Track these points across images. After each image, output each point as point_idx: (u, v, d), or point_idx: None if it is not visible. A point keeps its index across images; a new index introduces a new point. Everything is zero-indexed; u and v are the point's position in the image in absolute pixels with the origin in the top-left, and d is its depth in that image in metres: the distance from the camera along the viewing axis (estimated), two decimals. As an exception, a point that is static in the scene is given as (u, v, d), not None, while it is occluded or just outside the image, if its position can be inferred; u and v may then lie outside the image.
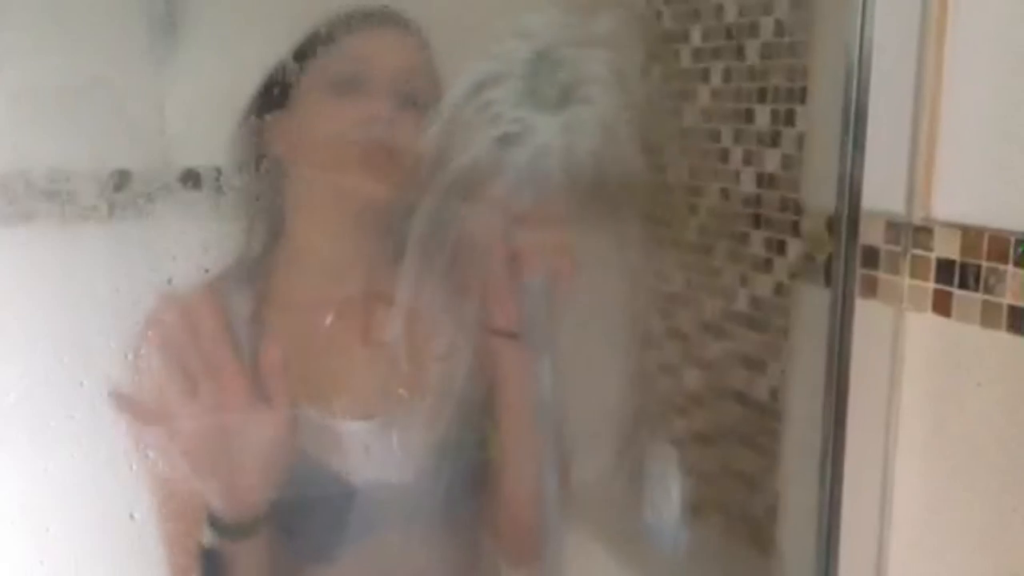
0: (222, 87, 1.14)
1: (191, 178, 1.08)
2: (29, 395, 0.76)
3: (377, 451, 0.87)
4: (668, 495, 1.32)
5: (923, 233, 0.90)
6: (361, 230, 0.88)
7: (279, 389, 0.76)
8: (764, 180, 1.24)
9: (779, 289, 1.21)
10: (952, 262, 0.87)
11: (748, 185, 1.27)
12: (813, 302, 1.04)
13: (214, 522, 0.76)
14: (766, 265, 1.24)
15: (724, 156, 1.31)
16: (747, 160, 1.27)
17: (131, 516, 0.75)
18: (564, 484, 0.93)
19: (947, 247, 0.88)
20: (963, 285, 0.86)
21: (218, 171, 1.09)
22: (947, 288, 0.88)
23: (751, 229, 1.26)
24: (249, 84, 1.14)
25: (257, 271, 0.87)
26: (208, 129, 1.12)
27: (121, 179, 1.04)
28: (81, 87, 1.02)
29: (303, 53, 0.85)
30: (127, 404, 0.75)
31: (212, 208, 1.03)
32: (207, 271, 0.80)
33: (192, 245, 0.81)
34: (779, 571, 1.12)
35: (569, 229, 0.80)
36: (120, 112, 1.04)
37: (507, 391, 0.86)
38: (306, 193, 0.88)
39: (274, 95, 0.86)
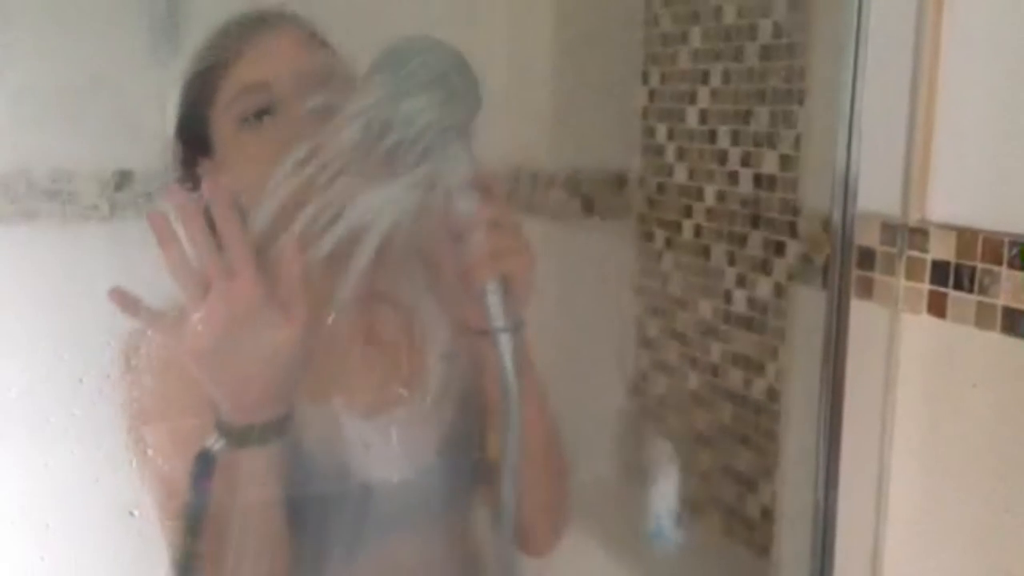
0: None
1: (192, 179, 1.08)
2: (29, 391, 0.76)
3: (377, 449, 0.88)
4: (666, 495, 1.33)
5: (918, 234, 0.91)
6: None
7: (292, 289, 0.72)
8: (762, 181, 1.24)
9: (777, 290, 1.22)
10: (947, 263, 0.88)
11: (746, 186, 1.27)
12: (810, 303, 1.05)
13: (222, 426, 0.74)
14: (764, 266, 1.24)
15: (722, 157, 1.31)
16: (745, 161, 1.27)
17: (131, 513, 0.75)
18: (557, 477, 0.93)
19: (942, 248, 0.88)
20: (958, 286, 0.87)
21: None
22: (942, 289, 0.89)
23: (749, 230, 1.27)
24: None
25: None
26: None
27: (122, 179, 1.05)
28: (83, 87, 1.03)
29: (199, 93, 0.80)
30: (131, 305, 0.71)
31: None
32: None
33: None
34: (775, 571, 1.12)
35: (510, 227, 0.77)
36: (121, 112, 1.05)
37: (494, 387, 0.86)
38: (280, 218, 0.86)
39: (190, 141, 0.82)
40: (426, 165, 0.74)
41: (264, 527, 0.78)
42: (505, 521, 0.80)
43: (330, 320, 0.81)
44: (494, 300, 0.76)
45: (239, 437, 0.74)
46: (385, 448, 0.88)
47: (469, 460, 0.89)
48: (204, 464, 0.73)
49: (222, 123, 0.80)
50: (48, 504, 0.76)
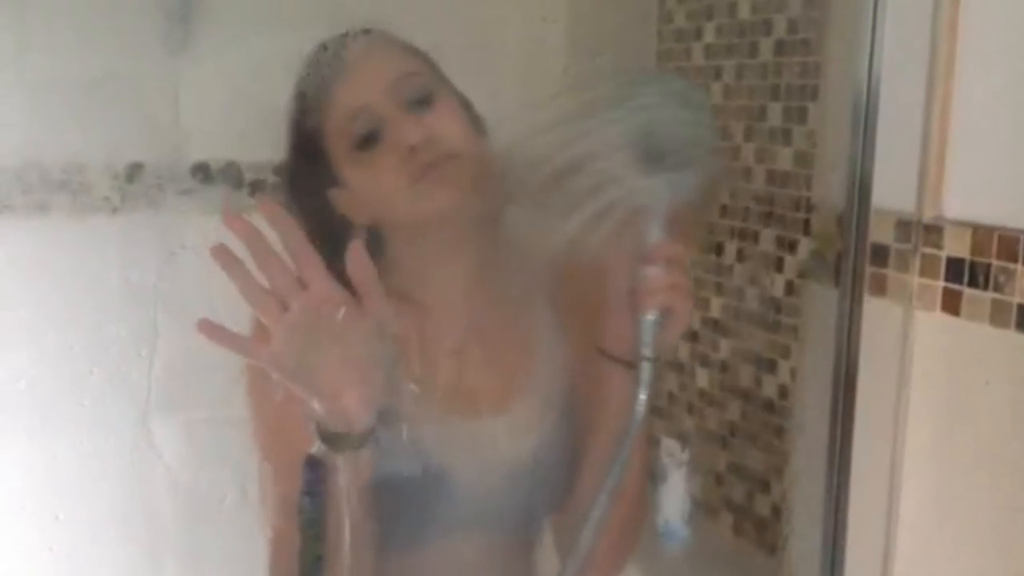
0: (236, 81, 1.15)
1: (203, 171, 1.09)
2: (39, 382, 0.76)
3: (386, 443, 0.88)
4: (675, 493, 1.32)
5: (933, 231, 0.90)
6: (451, 244, 0.86)
7: (369, 291, 0.72)
8: (776, 178, 1.24)
9: (789, 288, 1.21)
10: (962, 261, 0.87)
11: (759, 183, 1.27)
12: (822, 300, 1.04)
13: (322, 432, 0.75)
14: (777, 263, 1.24)
15: (735, 153, 1.31)
16: (759, 158, 1.26)
17: (138, 503, 0.75)
18: (639, 516, 0.94)
19: (957, 246, 0.88)
20: (972, 284, 0.86)
21: (234, 164, 1.10)
22: (956, 287, 0.88)
23: (762, 227, 1.26)
24: (265, 75, 1.14)
25: (378, 248, 0.86)
26: (221, 123, 1.13)
27: (134, 171, 1.05)
28: (96, 81, 1.03)
29: (310, 131, 0.83)
30: (220, 334, 0.71)
31: (230, 198, 1.03)
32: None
33: (202, 236, 0.82)
34: (786, 570, 1.11)
35: (685, 267, 0.80)
36: (134, 105, 1.05)
37: (605, 413, 0.87)
38: (397, 233, 0.86)
39: (317, 179, 0.84)
40: (656, 179, 0.77)
41: (354, 525, 0.79)
42: (583, 547, 0.81)
43: (340, 314, 0.81)
44: (650, 329, 0.79)
45: (339, 443, 0.75)
46: (394, 443, 0.87)
47: (555, 475, 0.90)
48: (313, 470, 0.75)
49: (339, 154, 0.82)
50: (57, 495, 0.76)
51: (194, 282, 0.80)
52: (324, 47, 0.82)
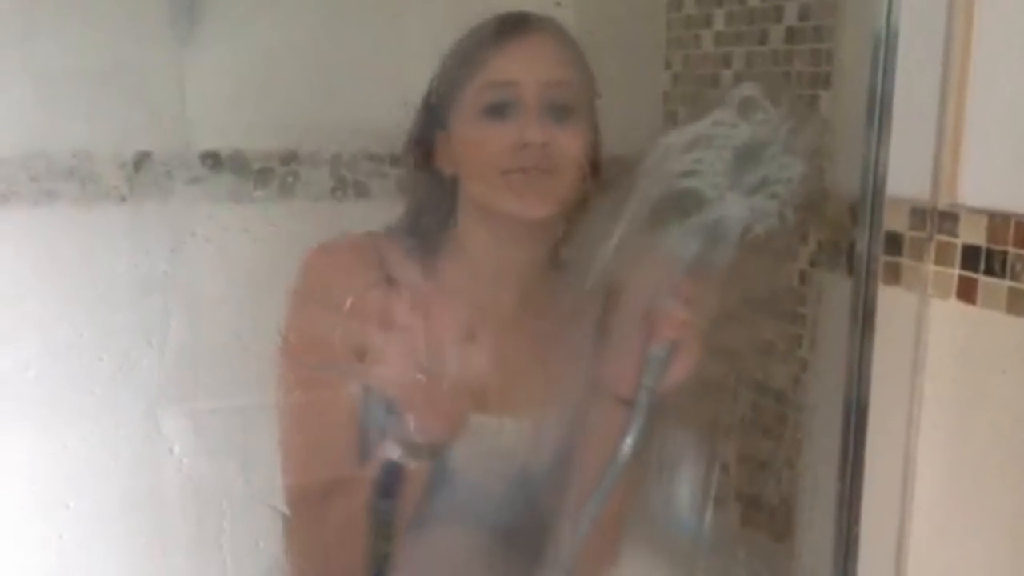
0: (242, 70, 1.14)
1: (211, 159, 1.08)
2: (49, 370, 0.76)
3: (395, 434, 0.88)
4: (684, 483, 1.32)
5: (948, 219, 0.89)
6: (521, 241, 0.91)
7: (477, 318, 0.76)
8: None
9: (801, 276, 1.20)
10: (978, 248, 0.86)
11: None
12: (835, 289, 1.03)
13: (405, 442, 0.78)
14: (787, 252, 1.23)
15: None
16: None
17: (148, 492, 0.75)
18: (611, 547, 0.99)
19: (973, 233, 0.87)
20: (989, 271, 0.85)
21: (240, 153, 1.09)
22: (972, 275, 0.87)
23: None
24: (271, 65, 1.14)
25: (427, 246, 0.91)
26: (229, 111, 1.12)
27: (142, 160, 1.04)
28: (102, 70, 1.03)
29: (454, 77, 0.88)
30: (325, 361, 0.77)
31: (231, 188, 1.03)
32: (227, 250, 0.80)
33: (211, 224, 0.81)
34: (799, 559, 1.11)
35: (706, 313, 0.83)
36: (141, 94, 1.04)
37: (595, 447, 0.87)
38: (472, 203, 0.91)
39: (431, 116, 0.89)
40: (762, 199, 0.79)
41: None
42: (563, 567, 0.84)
43: (348, 305, 0.82)
44: (657, 359, 0.81)
45: (420, 453, 0.79)
46: (403, 434, 0.87)
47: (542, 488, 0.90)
48: (392, 473, 0.79)
49: (466, 107, 0.87)
50: (67, 484, 0.76)
51: (204, 270, 0.80)
52: (504, 19, 0.88)
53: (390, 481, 0.80)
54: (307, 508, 0.82)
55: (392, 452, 0.78)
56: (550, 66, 0.88)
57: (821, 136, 0.86)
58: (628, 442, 0.81)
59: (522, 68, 0.87)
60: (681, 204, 0.80)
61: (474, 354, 0.76)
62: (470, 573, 0.93)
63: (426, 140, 0.91)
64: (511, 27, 0.89)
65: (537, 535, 0.91)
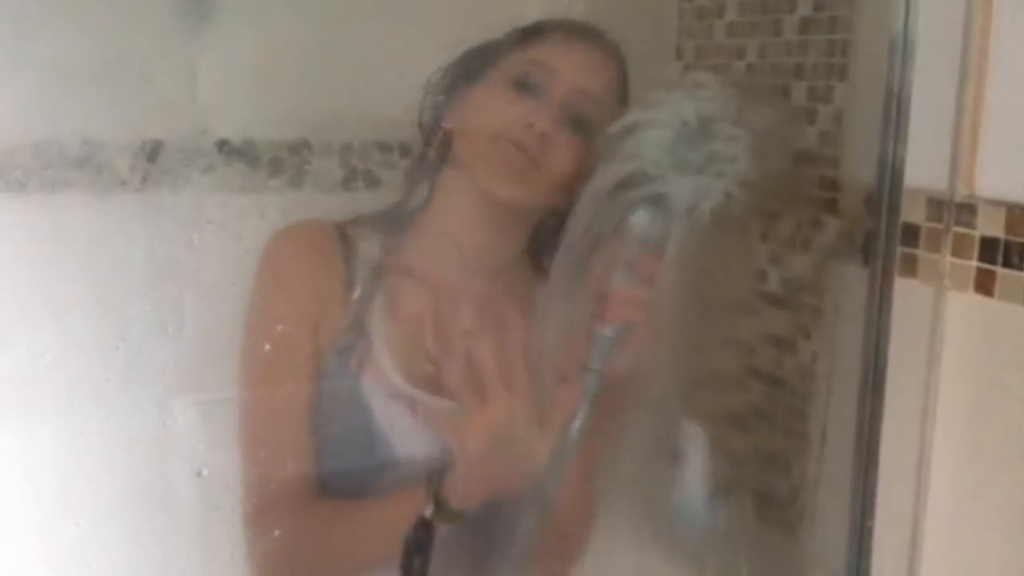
0: (253, 59, 1.14)
1: (224, 148, 1.08)
2: (64, 357, 0.76)
3: (402, 425, 0.88)
4: (694, 475, 1.32)
5: (966, 210, 0.88)
6: (494, 225, 0.91)
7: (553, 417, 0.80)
8: (800, 157, 1.22)
9: (813, 268, 1.20)
10: (996, 240, 0.86)
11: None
12: (849, 281, 1.03)
13: (441, 504, 0.81)
14: (799, 244, 1.22)
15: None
16: (782, 138, 1.25)
17: (164, 481, 0.75)
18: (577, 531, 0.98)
19: (991, 224, 0.86)
20: (1007, 263, 0.85)
21: (251, 143, 1.09)
22: (990, 267, 0.86)
23: (784, 207, 1.25)
24: (281, 54, 1.13)
25: (396, 227, 0.92)
26: (239, 101, 1.11)
27: (154, 149, 1.04)
28: (113, 59, 1.02)
29: (507, 42, 0.90)
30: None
31: (247, 178, 1.03)
32: (241, 238, 0.80)
33: (226, 212, 0.81)
34: (812, 553, 1.11)
35: (660, 294, 0.82)
36: (152, 84, 1.04)
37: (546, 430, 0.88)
38: (456, 176, 0.91)
39: (463, 72, 0.91)
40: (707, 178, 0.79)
41: None
42: (516, 550, 0.85)
43: (355, 295, 0.82)
44: (605, 342, 0.79)
45: (451, 516, 0.82)
46: (411, 425, 0.87)
47: None
48: (424, 531, 0.81)
49: (501, 71, 0.89)
50: (81, 471, 0.76)
51: (220, 258, 0.79)
52: (573, 22, 0.91)
53: (423, 538, 0.82)
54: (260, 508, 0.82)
55: (427, 510, 0.81)
56: (591, 76, 0.89)
57: (780, 115, 0.86)
58: (576, 426, 0.80)
59: (566, 63, 0.88)
60: (628, 184, 0.79)
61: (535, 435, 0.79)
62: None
63: (443, 95, 0.92)
64: (579, 31, 0.92)
65: (495, 521, 0.91)
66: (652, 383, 0.92)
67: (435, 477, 0.82)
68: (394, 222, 0.92)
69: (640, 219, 0.78)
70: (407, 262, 0.90)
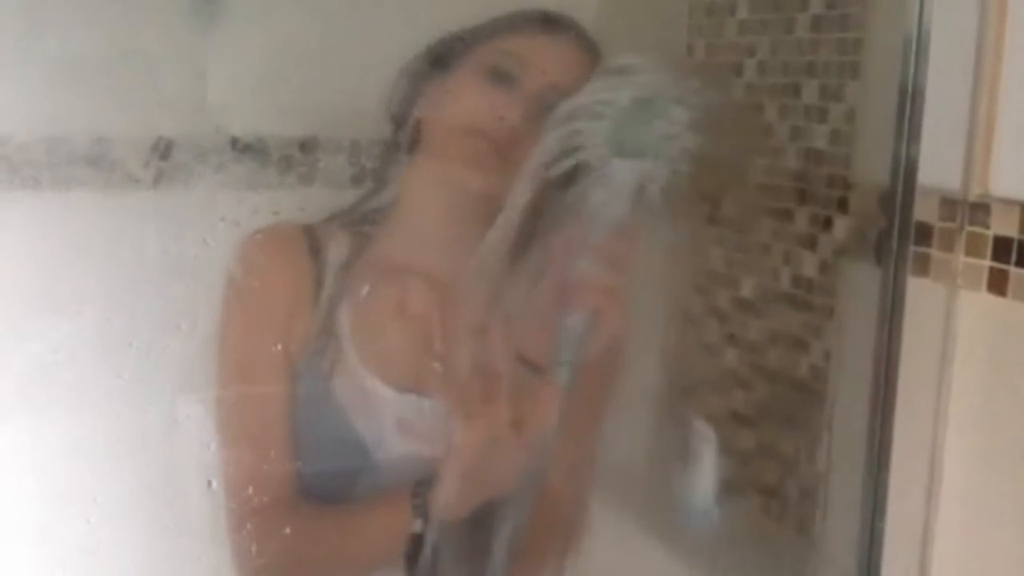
0: (263, 57, 1.13)
1: (236, 146, 1.08)
2: (77, 354, 0.76)
3: (410, 423, 0.88)
4: (704, 474, 1.31)
5: (980, 210, 0.88)
6: (467, 218, 0.89)
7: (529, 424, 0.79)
8: (811, 156, 1.22)
9: (823, 267, 1.19)
10: (1009, 240, 0.85)
11: (793, 161, 1.25)
12: (862, 280, 1.02)
13: (425, 515, 0.81)
14: (810, 243, 1.22)
15: (768, 131, 1.29)
16: (793, 136, 1.24)
17: (176, 477, 0.75)
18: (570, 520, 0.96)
19: (1004, 224, 0.86)
20: (1020, 263, 0.84)
21: (262, 140, 1.09)
22: (1003, 266, 0.86)
23: (795, 206, 1.24)
24: (292, 51, 1.13)
25: (365, 225, 0.91)
26: (249, 98, 1.11)
27: (166, 147, 1.04)
28: (122, 56, 1.02)
29: (481, 32, 0.88)
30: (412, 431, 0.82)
31: (256, 175, 1.03)
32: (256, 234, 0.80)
33: (240, 209, 0.81)
34: (820, 552, 1.10)
35: (624, 278, 0.80)
36: (162, 80, 1.04)
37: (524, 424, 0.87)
38: (426, 168, 0.90)
39: (433, 61, 0.90)
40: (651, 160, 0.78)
41: None
42: (505, 549, 0.83)
43: (364, 292, 0.82)
44: (575, 331, 0.77)
45: (442, 527, 0.81)
46: (418, 423, 0.87)
47: None
48: (416, 547, 0.81)
49: (476, 58, 0.88)
50: (94, 467, 0.76)
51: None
52: (549, 13, 0.90)
53: (412, 553, 0.81)
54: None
55: (416, 526, 0.80)
56: (565, 70, 0.87)
57: (724, 94, 0.84)
58: (553, 419, 0.79)
59: (540, 56, 0.87)
60: (573, 172, 0.78)
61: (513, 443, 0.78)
62: None
63: (413, 83, 0.91)
64: (555, 23, 0.90)
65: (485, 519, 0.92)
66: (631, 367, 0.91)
67: (420, 491, 0.81)
68: (364, 219, 0.91)
69: (590, 204, 0.77)
70: (378, 259, 0.89)
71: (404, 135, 0.91)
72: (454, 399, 0.80)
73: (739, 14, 1.33)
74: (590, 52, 0.91)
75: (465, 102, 0.87)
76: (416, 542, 0.81)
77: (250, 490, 0.80)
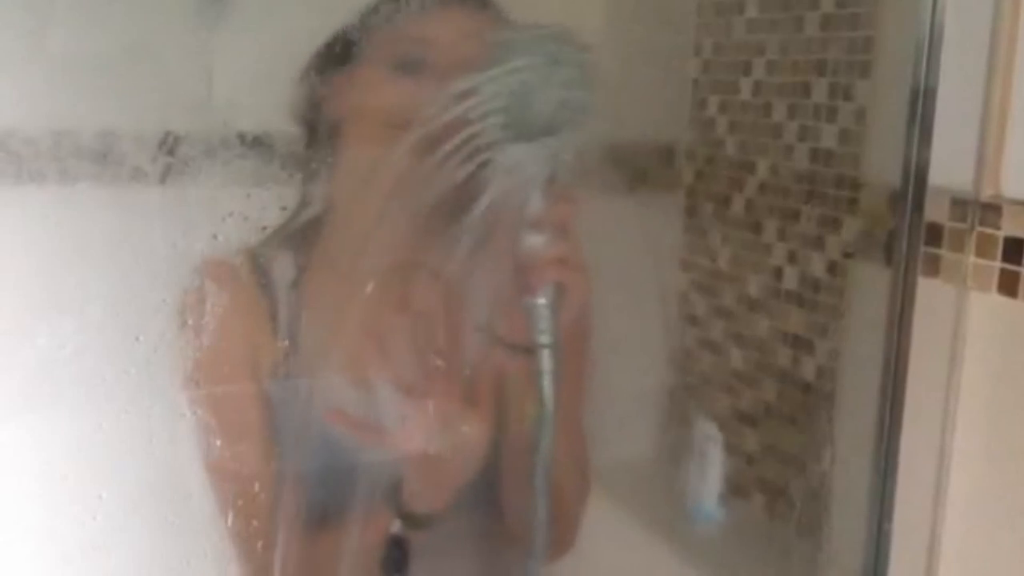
0: (271, 51, 1.13)
1: (242, 141, 1.07)
2: (84, 349, 0.75)
3: (413, 421, 0.87)
4: (709, 474, 1.31)
5: (991, 211, 0.88)
6: (402, 204, 0.86)
7: (486, 395, 0.78)
8: (819, 155, 1.21)
9: (831, 267, 1.19)
10: (1020, 240, 0.85)
11: (801, 160, 1.24)
12: (871, 280, 1.02)
13: (405, 515, 0.80)
14: (818, 242, 1.22)
15: (777, 131, 1.28)
16: (801, 135, 1.24)
17: (184, 472, 0.75)
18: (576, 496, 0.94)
19: (1016, 225, 0.85)
20: (1031, 265, 0.84)
21: (268, 135, 1.09)
22: (1014, 267, 0.85)
23: (803, 205, 1.24)
24: (299, 47, 1.12)
25: (304, 238, 0.88)
26: (257, 93, 1.11)
27: (173, 142, 1.04)
28: (129, 50, 1.02)
29: (370, 18, 0.84)
30: (346, 420, 0.77)
31: (262, 171, 1.02)
32: (264, 228, 0.80)
33: (248, 204, 0.81)
34: (826, 553, 1.10)
35: (575, 242, 0.77)
36: (169, 75, 1.03)
37: (515, 409, 0.86)
38: (353, 162, 0.87)
39: (335, 54, 0.85)
40: (544, 138, 0.74)
41: None
42: (536, 537, 0.81)
43: (369, 288, 0.81)
44: (543, 312, 0.75)
45: (420, 523, 0.79)
46: (421, 420, 0.87)
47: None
48: (400, 548, 0.79)
49: (375, 49, 0.83)
50: (102, 463, 0.75)
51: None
52: None
53: (398, 555, 0.80)
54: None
55: (393, 526, 0.79)
56: (471, 36, 0.82)
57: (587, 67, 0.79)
58: (547, 386, 0.75)
59: (445, 33, 0.83)
60: (477, 153, 0.75)
61: (469, 417, 0.76)
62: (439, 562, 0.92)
63: (314, 84, 0.87)
64: None
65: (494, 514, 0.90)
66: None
67: (391, 492, 0.80)
68: (302, 233, 0.88)
69: (504, 194, 0.75)
70: (324, 268, 0.87)
71: (320, 139, 0.88)
72: (409, 390, 0.77)
73: (748, 12, 1.32)
74: (497, 16, 0.87)
75: (375, 98, 0.84)
76: (396, 543, 0.80)
77: (241, 503, 0.79)
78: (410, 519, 0.80)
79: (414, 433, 0.76)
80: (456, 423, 0.77)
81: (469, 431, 0.77)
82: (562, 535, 0.92)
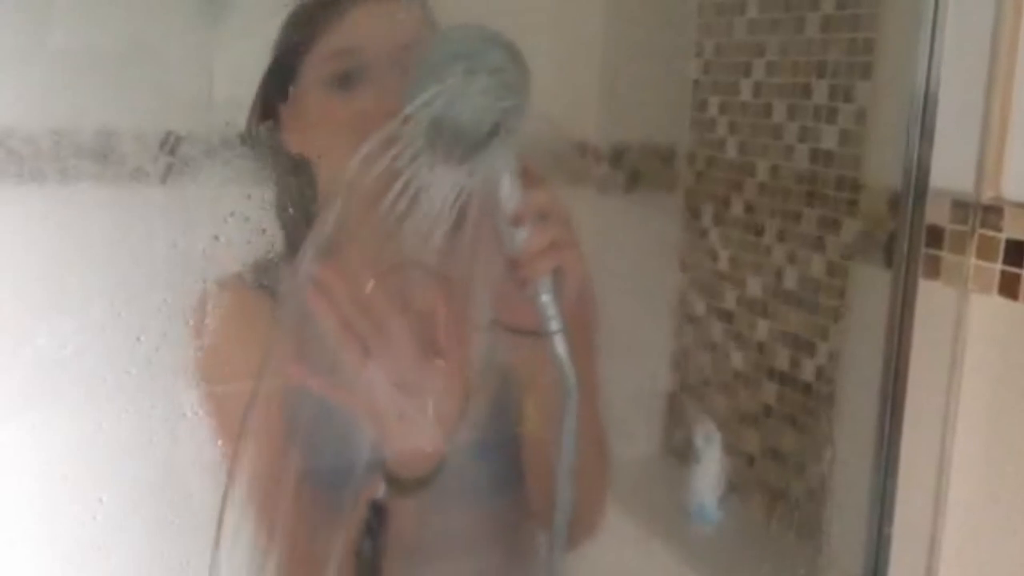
0: (270, 49, 1.13)
1: (245, 140, 1.07)
2: (86, 349, 0.75)
3: (412, 420, 0.87)
4: (708, 475, 1.31)
5: (992, 213, 0.88)
6: (390, 219, 0.86)
7: (452, 340, 0.75)
8: (819, 157, 1.21)
9: (831, 269, 1.19)
10: (1021, 243, 0.85)
11: (801, 162, 1.24)
12: (872, 282, 1.02)
13: (390, 479, 0.77)
14: (818, 244, 1.22)
15: (777, 132, 1.28)
16: (802, 136, 1.24)
17: (184, 472, 0.75)
18: (601, 474, 0.93)
19: (1017, 227, 0.85)
20: (1033, 267, 0.84)
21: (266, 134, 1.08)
22: (1015, 270, 0.85)
23: (803, 207, 1.24)
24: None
25: (306, 255, 0.87)
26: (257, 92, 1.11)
27: (175, 142, 1.04)
28: (130, 49, 1.02)
29: (293, 43, 0.81)
30: (302, 374, 0.75)
31: (262, 171, 1.02)
32: (264, 231, 0.80)
33: (249, 204, 0.81)
34: (826, 555, 1.10)
35: (559, 219, 0.76)
36: (170, 75, 1.03)
37: (532, 387, 0.85)
38: (331, 183, 0.86)
39: (276, 87, 0.83)
40: (477, 154, 0.73)
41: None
42: (560, 521, 0.80)
43: (369, 288, 0.80)
44: (547, 300, 0.74)
45: (406, 488, 0.77)
46: (420, 419, 0.87)
47: (505, 436, 0.89)
48: (377, 514, 0.77)
49: (309, 79, 0.80)
50: (102, 463, 0.75)
51: (243, 250, 0.79)
52: None
53: (375, 521, 0.78)
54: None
55: (377, 491, 0.77)
56: (402, 32, 0.80)
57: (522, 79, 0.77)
58: (566, 368, 0.75)
59: (371, 34, 0.80)
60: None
61: (443, 375, 0.74)
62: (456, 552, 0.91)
63: (270, 112, 0.84)
64: None
65: (516, 507, 0.89)
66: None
67: (376, 462, 0.78)
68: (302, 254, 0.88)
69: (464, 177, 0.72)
70: (327, 268, 0.86)
71: (292, 172, 0.84)
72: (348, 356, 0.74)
73: (749, 13, 1.32)
74: (420, 10, 0.84)
75: (324, 122, 0.81)
76: (376, 509, 0.77)
77: (258, 483, 0.79)
78: (395, 483, 0.78)
79: (376, 388, 0.73)
80: (422, 379, 0.74)
81: (436, 386, 0.75)
82: (587, 518, 0.92)
